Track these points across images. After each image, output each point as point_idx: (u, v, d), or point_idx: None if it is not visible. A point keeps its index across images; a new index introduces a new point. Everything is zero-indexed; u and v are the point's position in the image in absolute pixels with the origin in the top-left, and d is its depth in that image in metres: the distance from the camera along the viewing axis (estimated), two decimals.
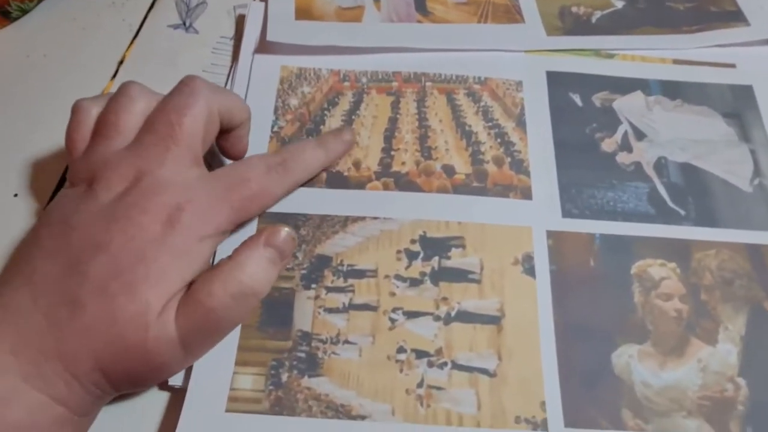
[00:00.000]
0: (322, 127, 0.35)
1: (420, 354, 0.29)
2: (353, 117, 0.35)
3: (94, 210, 0.26)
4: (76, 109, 0.29)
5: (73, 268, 0.24)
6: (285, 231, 0.28)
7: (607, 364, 0.29)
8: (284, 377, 0.28)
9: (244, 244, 0.27)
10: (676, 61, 0.38)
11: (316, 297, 0.30)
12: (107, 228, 0.25)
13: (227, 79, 0.37)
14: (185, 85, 0.28)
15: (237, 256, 0.26)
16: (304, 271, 0.30)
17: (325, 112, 0.35)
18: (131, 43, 0.39)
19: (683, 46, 0.39)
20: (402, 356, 0.28)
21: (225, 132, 0.30)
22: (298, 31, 0.37)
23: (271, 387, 0.27)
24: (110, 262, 0.24)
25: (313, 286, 0.30)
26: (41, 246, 0.26)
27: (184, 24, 0.40)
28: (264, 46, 0.37)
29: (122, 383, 0.26)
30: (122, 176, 0.26)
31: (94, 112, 0.28)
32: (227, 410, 0.27)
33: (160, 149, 0.27)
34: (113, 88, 0.37)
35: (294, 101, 0.36)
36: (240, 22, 0.40)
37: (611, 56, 0.38)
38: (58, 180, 0.34)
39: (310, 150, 0.32)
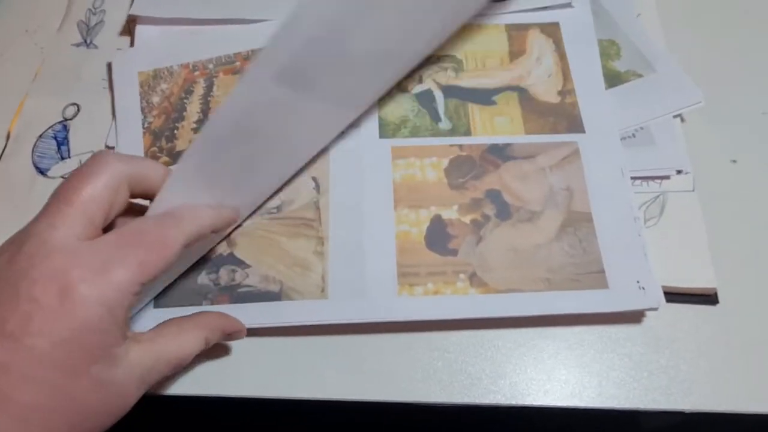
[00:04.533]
0: (184, 113, 0.41)
1: None
2: (209, 98, 0.42)
3: None
4: None
5: None
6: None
7: None
8: None
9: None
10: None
11: None
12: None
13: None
14: (94, 157, 0.29)
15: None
16: None
17: (184, 101, 0.42)
18: (42, 63, 0.45)
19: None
20: None
21: (146, 197, 0.31)
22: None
23: None
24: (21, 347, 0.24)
25: None
26: None
27: (86, 42, 0.46)
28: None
29: None
30: (12, 240, 0.27)
31: None
32: None
33: (51, 211, 0.27)
34: (26, 102, 0.44)
35: (156, 98, 0.42)
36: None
37: None
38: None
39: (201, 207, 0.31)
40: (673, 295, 0.36)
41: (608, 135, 0.39)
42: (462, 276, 0.35)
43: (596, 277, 0.35)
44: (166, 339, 0.29)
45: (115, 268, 0.26)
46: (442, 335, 0.36)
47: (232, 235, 0.37)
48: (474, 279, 0.35)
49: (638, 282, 0.34)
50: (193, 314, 0.32)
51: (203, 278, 0.36)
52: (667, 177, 0.39)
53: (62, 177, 0.40)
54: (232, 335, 0.33)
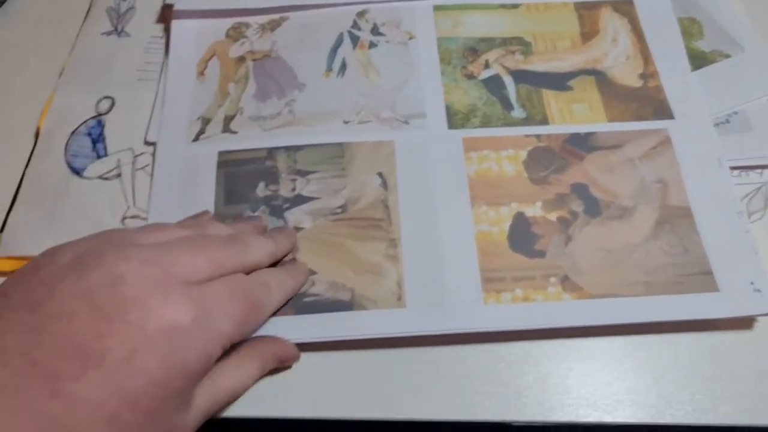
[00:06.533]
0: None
1: None
2: None
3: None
4: None
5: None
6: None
7: None
8: None
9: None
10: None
11: None
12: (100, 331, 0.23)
13: (160, 73, 0.40)
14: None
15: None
16: None
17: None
18: (70, 54, 0.42)
19: None
20: None
21: None
22: None
23: None
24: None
25: None
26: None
27: (116, 30, 0.42)
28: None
29: None
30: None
31: None
32: None
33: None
34: (55, 98, 0.40)
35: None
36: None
37: (516, 6, 0.41)
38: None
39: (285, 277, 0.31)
40: None
41: (700, 121, 0.36)
42: (553, 280, 0.32)
43: (703, 279, 0.31)
44: (225, 375, 0.28)
45: (217, 318, 0.26)
46: (526, 346, 0.32)
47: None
48: (567, 283, 0.32)
49: (752, 283, 0.31)
50: (247, 343, 0.30)
51: None
52: None
53: (99, 177, 0.36)
54: (285, 360, 0.31)
